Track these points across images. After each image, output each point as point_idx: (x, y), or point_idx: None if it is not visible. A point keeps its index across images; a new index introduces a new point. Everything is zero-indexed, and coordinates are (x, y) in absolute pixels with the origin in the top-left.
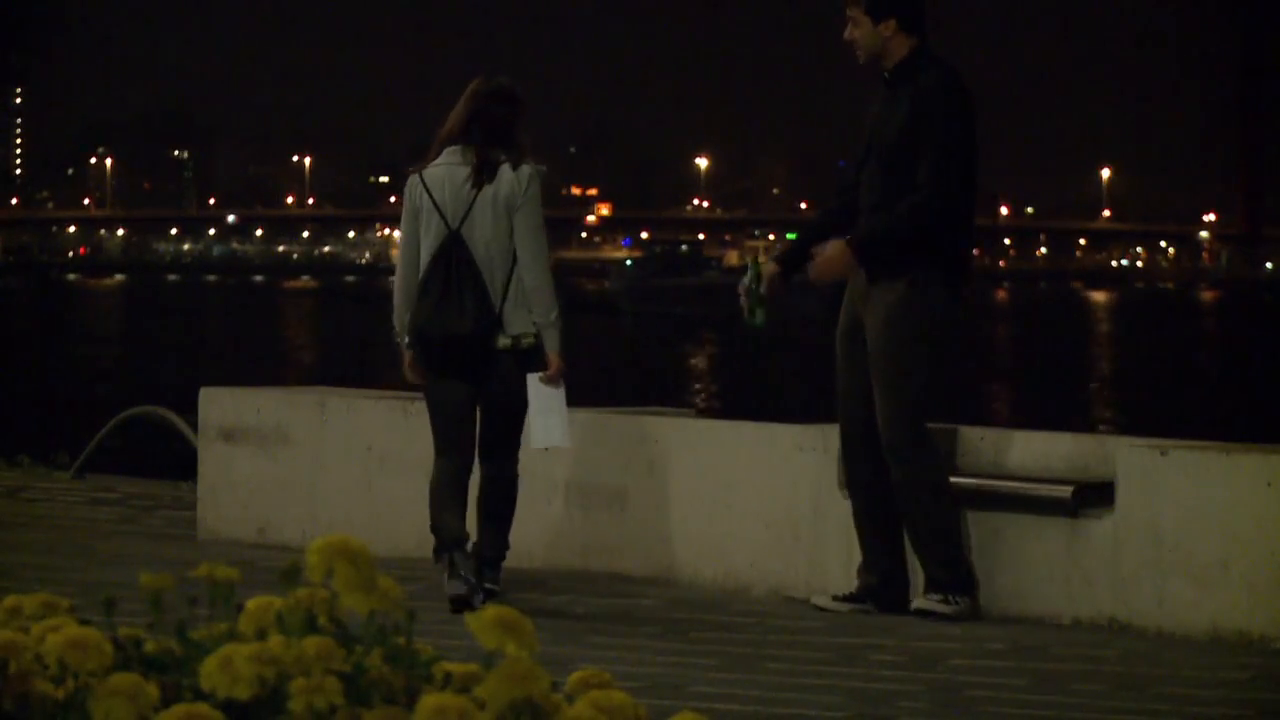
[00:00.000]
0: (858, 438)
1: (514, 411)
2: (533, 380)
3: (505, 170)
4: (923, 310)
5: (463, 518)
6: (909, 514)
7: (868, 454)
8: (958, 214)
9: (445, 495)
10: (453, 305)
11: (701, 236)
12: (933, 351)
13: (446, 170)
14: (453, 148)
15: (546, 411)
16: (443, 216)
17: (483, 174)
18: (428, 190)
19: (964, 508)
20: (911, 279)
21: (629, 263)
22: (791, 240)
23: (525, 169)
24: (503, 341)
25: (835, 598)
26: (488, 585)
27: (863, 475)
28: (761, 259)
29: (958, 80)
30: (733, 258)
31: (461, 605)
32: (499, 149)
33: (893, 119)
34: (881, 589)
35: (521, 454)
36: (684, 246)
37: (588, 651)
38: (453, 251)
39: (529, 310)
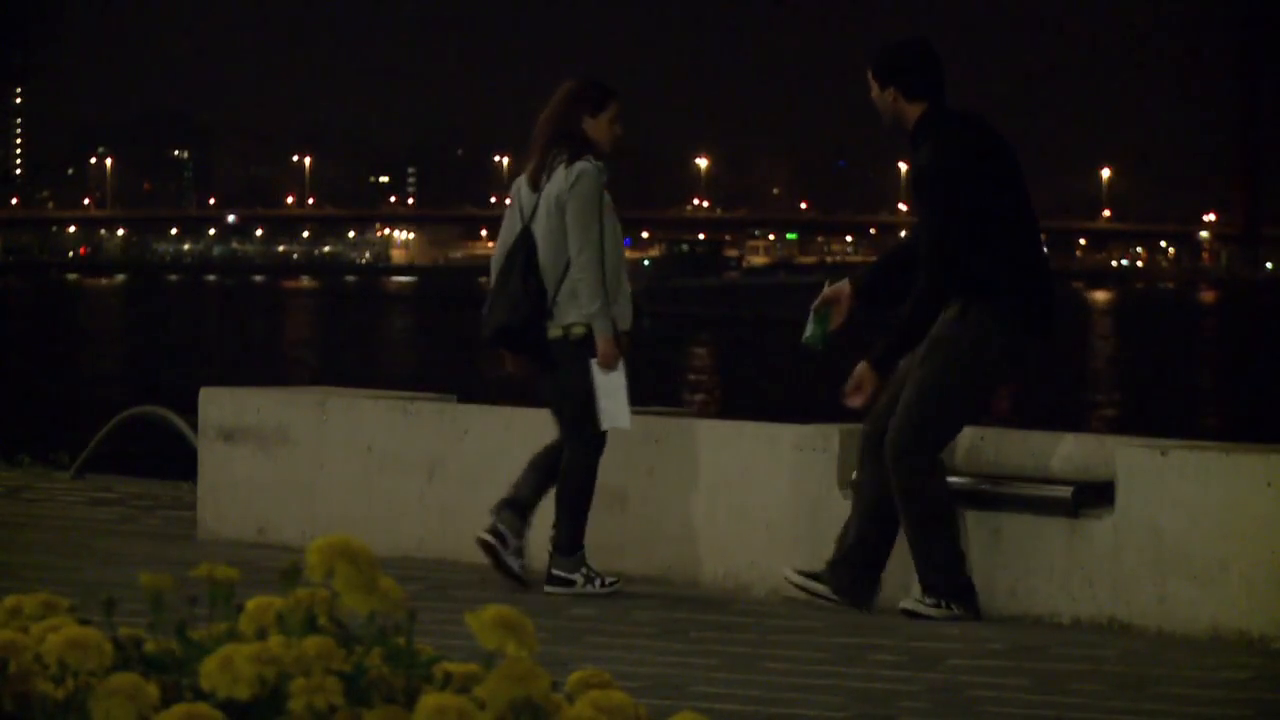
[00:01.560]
0: (876, 442)
1: (569, 400)
2: (593, 365)
3: (560, 170)
4: (971, 343)
5: (532, 486)
6: (904, 518)
7: (879, 460)
8: (999, 258)
9: (531, 459)
10: (504, 297)
11: (728, 237)
12: (966, 383)
13: (528, 171)
14: (535, 151)
15: (608, 395)
16: (520, 214)
17: (539, 174)
18: (519, 190)
19: (964, 508)
20: (964, 309)
21: (646, 263)
22: (869, 271)
23: (576, 165)
24: (554, 332)
25: (801, 572)
26: (554, 571)
27: (869, 480)
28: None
29: (952, 147)
30: (760, 258)
31: (483, 548)
32: (563, 147)
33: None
34: (850, 587)
35: (523, 453)
36: (693, 247)
37: (588, 651)
38: (519, 247)
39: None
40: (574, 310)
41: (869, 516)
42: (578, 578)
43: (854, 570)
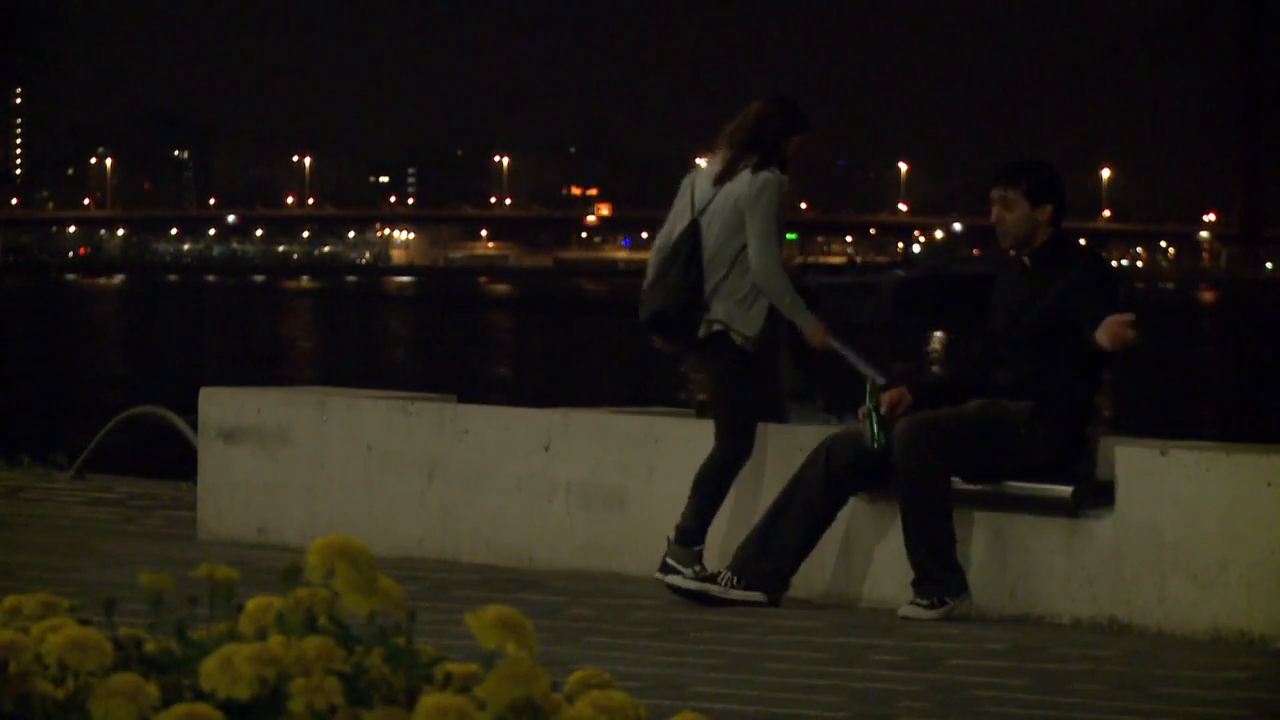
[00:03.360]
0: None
1: (713, 391)
2: (836, 345)
3: (745, 174)
4: (1016, 433)
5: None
6: (905, 504)
7: (865, 460)
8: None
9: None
10: (664, 285)
11: (792, 237)
12: (992, 445)
13: (708, 167)
14: (723, 149)
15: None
16: (693, 206)
17: (727, 174)
18: (693, 183)
19: (964, 508)
20: (1035, 412)
21: None
22: (912, 369)
23: (762, 174)
24: (702, 329)
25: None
26: (667, 559)
27: (841, 472)
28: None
29: (1109, 271)
30: (834, 257)
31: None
32: (754, 154)
33: (1038, 303)
34: (769, 579)
35: (523, 453)
36: None
37: (588, 651)
38: (686, 238)
39: (737, 302)
40: (721, 308)
41: (813, 507)
42: (688, 572)
43: (778, 573)
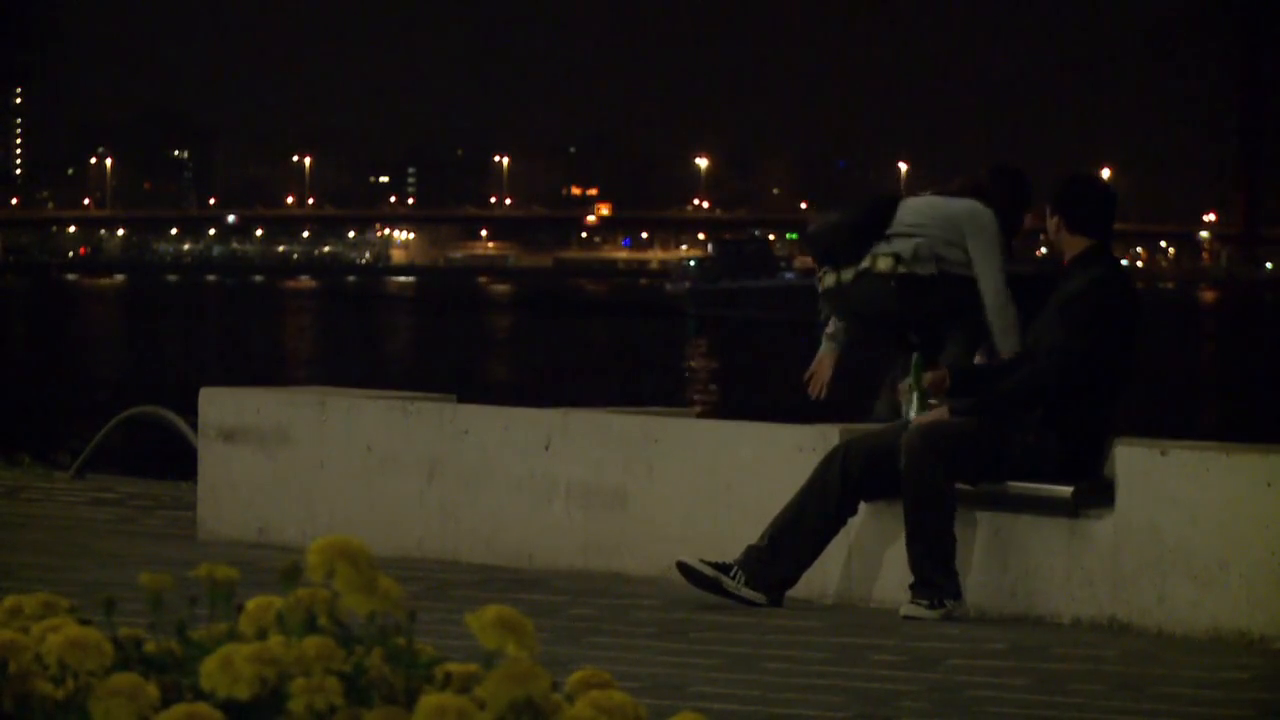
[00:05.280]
0: (886, 448)
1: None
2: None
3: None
4: (1026, 444)
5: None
6: (910, 509)
7: (880, 465)
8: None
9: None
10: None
11: (771, 237)
12: (997, 452)
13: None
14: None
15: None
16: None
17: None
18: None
19: (964, 508)
20: (1043, 425)
21: (692, 263)
22: (957, 353)
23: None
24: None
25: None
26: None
27: (858, 477)
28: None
29: (1121, 276)
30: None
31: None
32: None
33: (1046, 310)
34: (777, 586)
35: (523, 453)
36: (740, 245)
37: (588, 651)
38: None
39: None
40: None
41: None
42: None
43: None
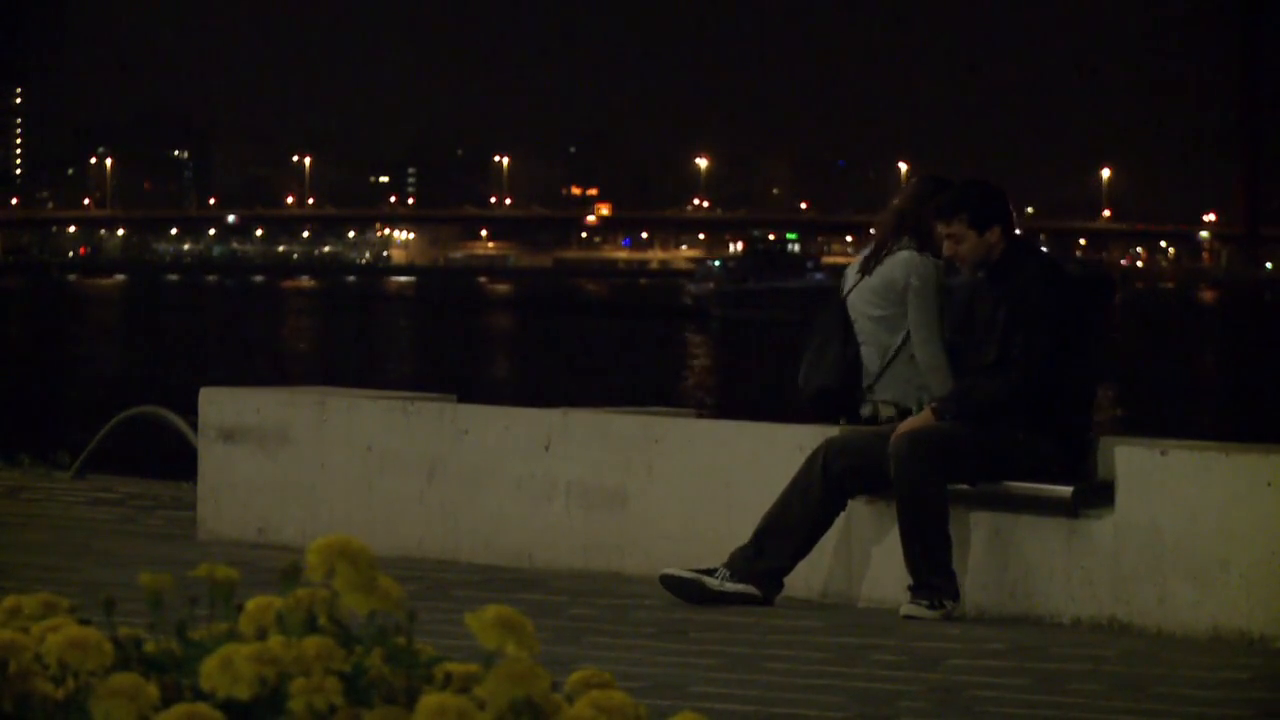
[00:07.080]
0: (868, 445)
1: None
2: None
3: (900, 254)
4: (1013, 440)
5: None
6: (902, 515)
7: (862, 464)
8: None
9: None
10: (823, 362)
11: (792, 237)
12: (985, 451)
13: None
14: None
15: None
16: (841, 288)
17: (872, 261)
18: (849, 271)
19: (964, 508)
20: (1029, 426)
21: (716, 263)
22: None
23: (916, 258)
24: (865, 409)
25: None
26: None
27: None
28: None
29: (1057, 268)
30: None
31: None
32: (905, 238)
33: (995, 318)
34: (763, 577)
35: (523, 453)
36: (766, 245)
37: (588, 651)
38: (835, 316)
39: (905, 384)
40: (891, 389)
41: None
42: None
43: (773, 573)
